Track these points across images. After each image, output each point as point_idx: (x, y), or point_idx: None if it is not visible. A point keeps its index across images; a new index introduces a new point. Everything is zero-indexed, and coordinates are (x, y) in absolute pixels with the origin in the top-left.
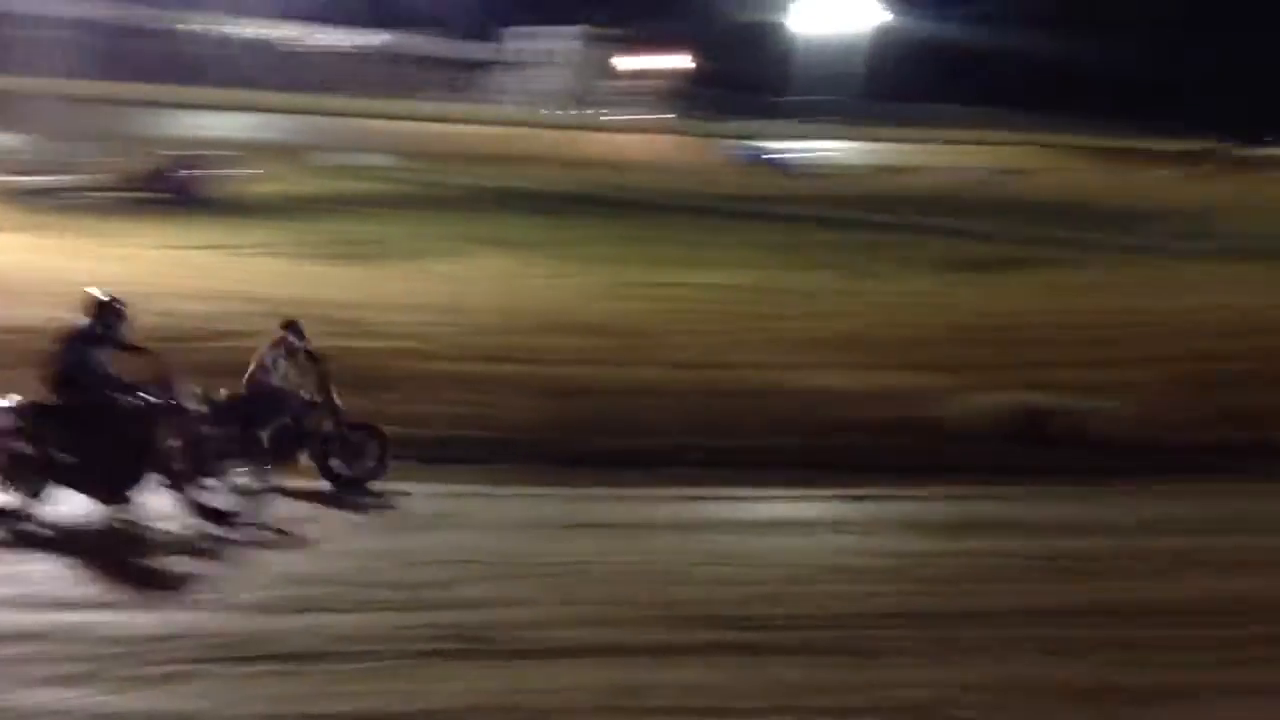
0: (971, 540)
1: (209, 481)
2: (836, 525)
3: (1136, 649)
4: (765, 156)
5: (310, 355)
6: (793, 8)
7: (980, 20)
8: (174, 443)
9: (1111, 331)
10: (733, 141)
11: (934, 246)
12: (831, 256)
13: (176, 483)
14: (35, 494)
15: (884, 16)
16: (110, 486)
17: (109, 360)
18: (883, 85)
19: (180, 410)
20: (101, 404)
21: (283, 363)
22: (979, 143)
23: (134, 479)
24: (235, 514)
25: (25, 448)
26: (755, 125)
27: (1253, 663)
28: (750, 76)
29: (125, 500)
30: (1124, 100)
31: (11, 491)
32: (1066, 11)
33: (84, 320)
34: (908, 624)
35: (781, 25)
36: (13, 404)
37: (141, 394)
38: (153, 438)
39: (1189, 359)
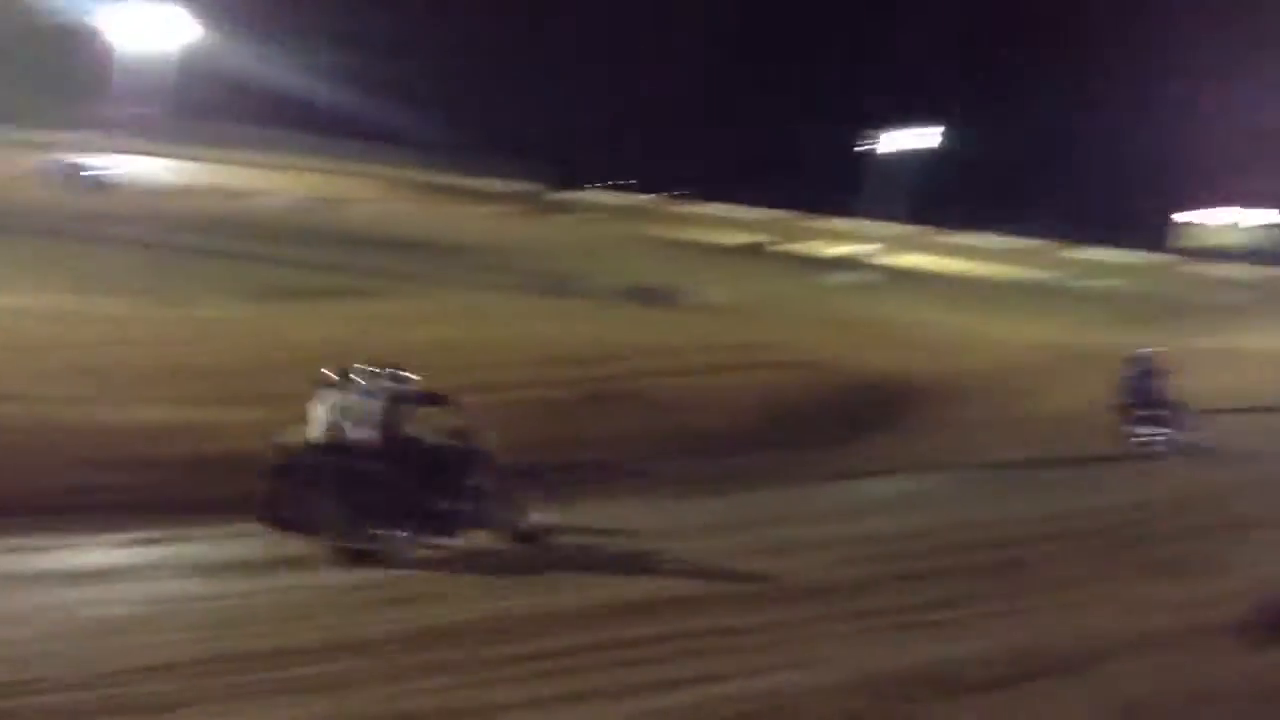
0: (279, 577)
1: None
2: (124, 572)
3: (442, 672)
4: (71, 171)
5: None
6: (103, 14)
7: (304, 48)
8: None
9: (424, 360)
10: (35, 151)
11: (249, 273)
12: (142, 280)
13: (492, 516)
14: (381, 536)
15: (198, 33)
16: (442, 525)
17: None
18: (203, 104)
19: (487, 455)
20: (426, 454)
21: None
22: (301, 169)
23: (460, 517)
24: (546, 532)
25: (373, 497)
26: (59, 136)
27: (547, 675)
28: (53, 83)
29: (454, 535)
30: (452, 136)
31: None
32: (396, 45)
33: (399, 384)
34: (198, 672)
35: (91, 31)
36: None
37: (452, 443)
38: (471, 480)
39: (500, 387)
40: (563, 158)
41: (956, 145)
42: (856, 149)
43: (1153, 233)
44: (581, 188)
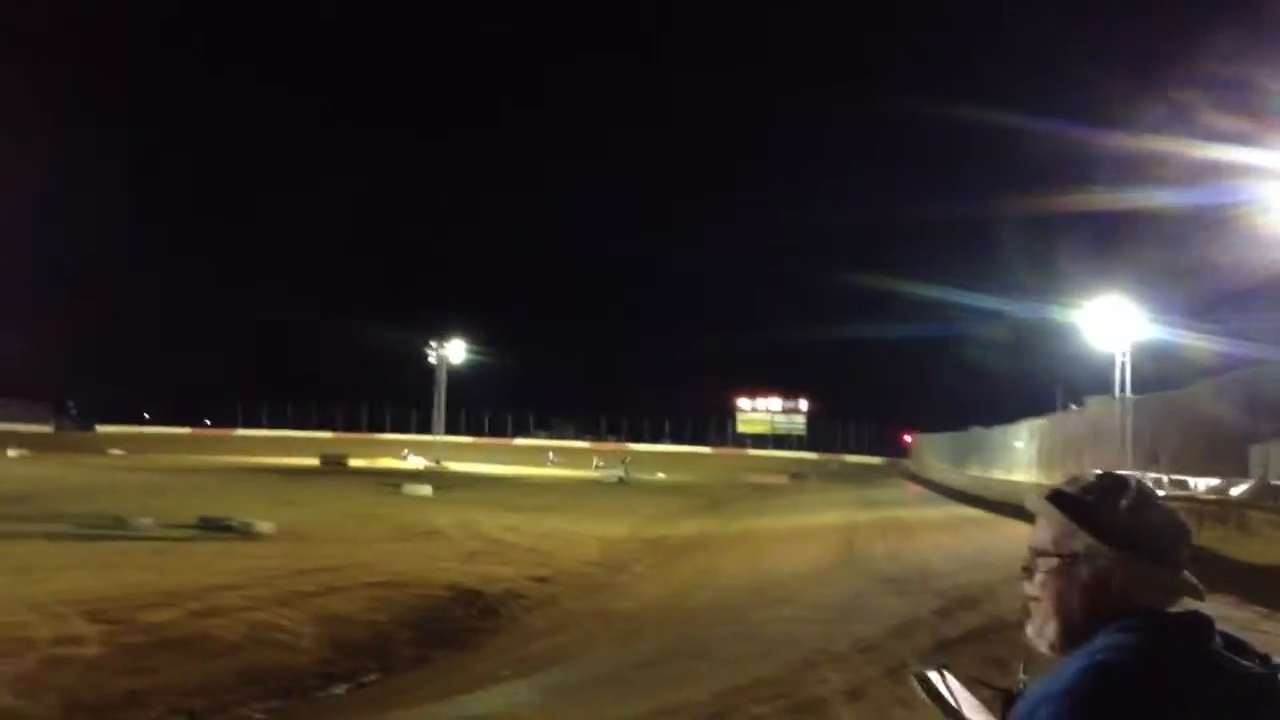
0: None
1: None
2: None
3: None
4: None
5: None
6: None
7: None
8: None
9: None
10: None
11: None
12: None
13: None
14: None
15: None
16: None
17: None
18: None
19: None
20: None
21: None
22: None
23: None
24: None
25: None
26: None
27: None
28: None
29: None
30: None
31: None
32: None
33: None
34: None
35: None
36: None
37: None
38: None
39: (36, 645)
40: (71, 396)
41: (496, 358)
42: (419, 360)
43: (699, 423)
44: (92, 426)
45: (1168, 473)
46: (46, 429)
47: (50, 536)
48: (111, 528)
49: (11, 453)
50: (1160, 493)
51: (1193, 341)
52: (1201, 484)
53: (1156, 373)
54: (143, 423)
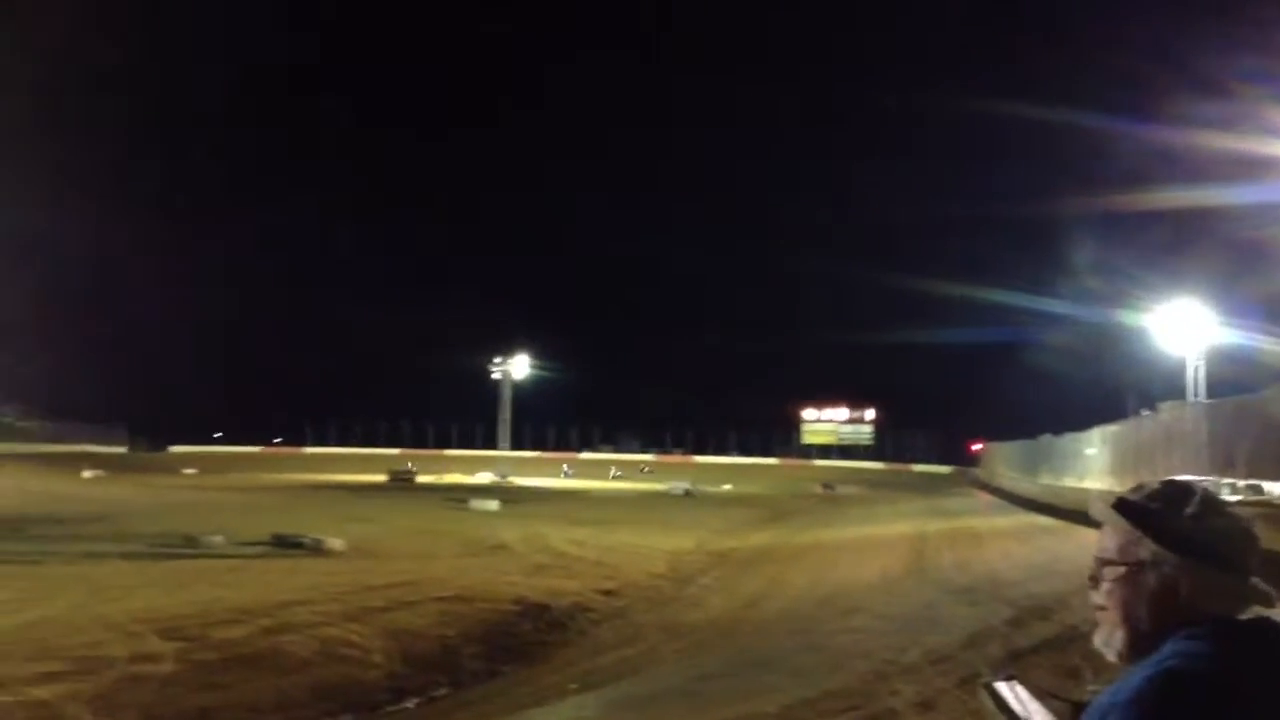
0: None
1: None
2: None
3: None
4: None
5: None
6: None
7: None
8: None
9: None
10: None
11: None
12: None
13: None
14: None
15: None
16: None
17: None
18: None
19: None
20: None
21: None
22: None
23: None
24: None
25: None
26: None
27: None
28: None
29: None
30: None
31: None
32: None
33: None
34: None
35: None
36: None
37: None
38: None
39: (114, 663)
40: (142, 417)
41: (561, 373)
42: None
43: (764, 434)
44: (164, 446)
45: (1244, 478)
46: (120, 450)
47: (125, 556)
48: (184, 546)
49: (86, 474)
50: (1236, 498)
51: (1267, 345)
52: (1278, 489)
53: (1231, 376)
54: (214, 442)
